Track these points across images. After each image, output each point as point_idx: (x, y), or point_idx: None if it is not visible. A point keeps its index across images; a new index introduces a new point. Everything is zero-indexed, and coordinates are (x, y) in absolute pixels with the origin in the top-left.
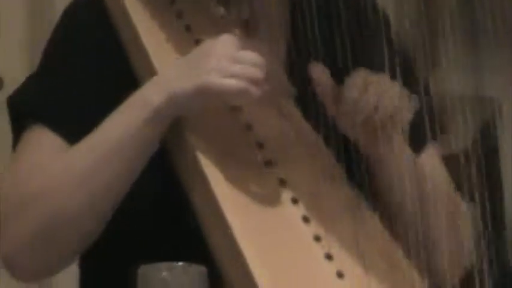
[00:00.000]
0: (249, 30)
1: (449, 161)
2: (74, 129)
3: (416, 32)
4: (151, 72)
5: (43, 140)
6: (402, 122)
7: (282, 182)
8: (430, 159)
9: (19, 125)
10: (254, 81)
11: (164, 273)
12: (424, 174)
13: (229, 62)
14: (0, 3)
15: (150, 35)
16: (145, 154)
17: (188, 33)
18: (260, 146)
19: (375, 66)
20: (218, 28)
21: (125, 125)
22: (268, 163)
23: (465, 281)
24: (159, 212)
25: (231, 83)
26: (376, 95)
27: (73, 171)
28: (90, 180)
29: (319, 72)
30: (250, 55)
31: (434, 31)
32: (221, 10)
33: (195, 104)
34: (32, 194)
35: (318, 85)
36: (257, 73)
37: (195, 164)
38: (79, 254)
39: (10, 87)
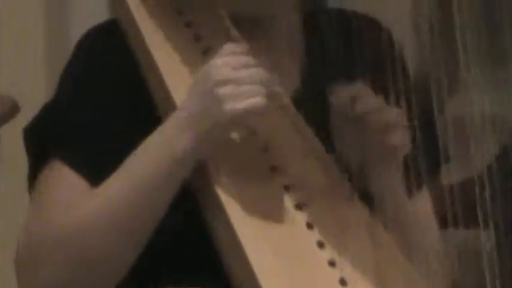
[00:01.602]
0: (265, 53)
1: (465, 186)
2: (96, 168)
3: (433, 56)
4: (171, 103)
5: (66, 179)
6: (394, 148)
7: (298, 207)
8: (420, 204)
9: (36, 162)
10: (258, 94)
11: None
12: (410, 220)
13: (234, 85)
14: (18, 25)
15: (166, 61)
16: (173, 192)
17: (205, 57)
18: (274, 168)
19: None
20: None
21: (151, 172)
22: (287, 187)
23: None
24: (181, 241)
25: (250, 102)
26: (367, 104)
27: (105, 212)
28: (123, 221)
29: (340, 90)
30: (247, 71)
31: (451, 53)
32: (238, 36)
33: (224, 137)
34: (66, 234)
35: (337, 100)
36: (258, 87)
37: (215, 196)
38: None
39: (28, 113)
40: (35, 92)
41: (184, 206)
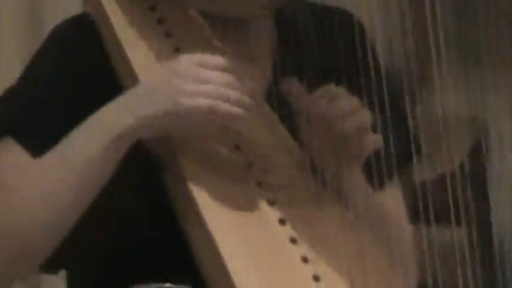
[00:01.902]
0: (236, 51)
1: (436, 183)
2: (46, 146)
3: (405, 54)
4: (135, 80)
5: (10, 154)
6: (364, 148)
7: (271, 203)
8: (388, 196)
9: None
10: (223, 99)
11: None
12: (376, 214)
13: (193, 82)
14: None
15: (137, 51)
16: (106, 175)
17: (176, 53)
18: (247, 165)
19: (354, 90)
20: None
21: (86, 148)
22: (260, 184)
23: None
24: (149, 234)
25: (200, 102)
26: (339, 108)
27: (34, 189)
28: (52, 199)
29: (291, 84)
30: (213, 73)
31: (423, 51)
32: (209, 34)
33: (162, 127)
34: None
35: (290, 95)
36: (222, 89)
37: (181, 177)
38: (35, 269)
39: None
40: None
41: (154, 205)
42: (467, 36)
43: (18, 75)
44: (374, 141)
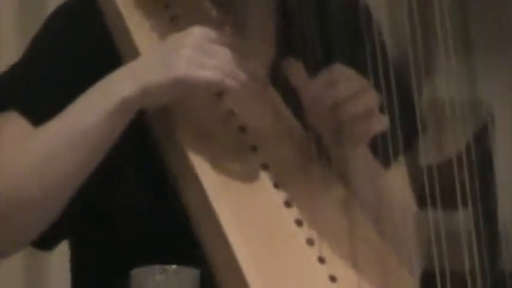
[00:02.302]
0: (238, 30)
1: (443, 166)
2: (44, 114)
3: (410, 38)
4: (135, 53)
5: (12, 124)
6: (370, 130)
7: (276, 185)
8: (395, 175)
9: None
10: (227, 74)
11: (157, 277)
12: (384, 189)
13: (200, 53)
14: None
15: (140, 28)
16: (107, 144)
17: (172, 22)
18: (254, 148)
19: (360, 70)
20: (208, 24)
21: (90, 114)
22: (265, 166)
23: (458, 283)
24: (152, 216)
25: (205, 74)
26: (344, 91)
27: (32, 157)
28: (48, 167)
29: (293, 66)
30: (221, 49)
31: (428, 36)
32: (214, 12)
33: (167, 95)
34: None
35: (292, 77)
36: (228, 65)
37: (186, 161)
38: (30, 242)
39: None
40: (8, 59)
41: (156, 184)
42: (469, 24)
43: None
44: (380, 122)
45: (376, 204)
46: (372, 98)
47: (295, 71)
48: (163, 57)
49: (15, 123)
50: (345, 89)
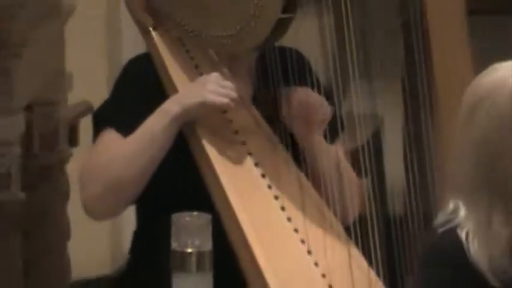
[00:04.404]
0: (232, 71)
1: (352, 152)
2: (130, 131)
3: (332, 70)
4: (175, 91)
5: (110, 136)
6: (322, 122)
7: (256, 164)
8: (338, 148)
9: (97, 129)
10: (232, 99)
11: (187, 218)
12: (334, 156)
13: (217, 86)
14: (87, 53)
15: (179, 78)
16: (166, 143)
17: (197, 69)
18: (243, 143)
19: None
20: (214, 68)
21: (154, 126)
22: (250, 153)
23: (364, 224)
24: (185, 186)
25: (221, 99)
26: (309, 100)
27: (126, 153)
28: (136, 158)
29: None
30: (229, 83)
31: (344, 68)
32: (225, 70)
33: (198, 112)
34: (103, 165)
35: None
36: (233, 94)
37: (204, 153)
38: (132, 203)
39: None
40: (100, 98)
41: (189, 168)
42: (370, 60)
43: (105, 93)
44: (328, 117)
45: (333, 168)
46: (325, 105)
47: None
48: (195, 89)
49: (111, 135)
50: (314, 100)
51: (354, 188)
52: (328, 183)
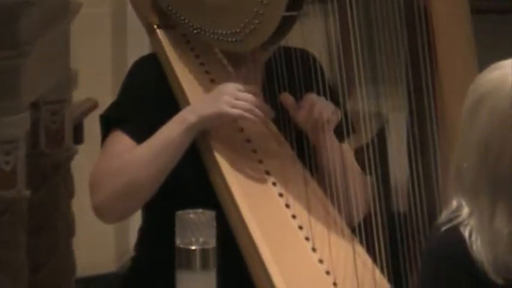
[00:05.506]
0: (238, 70)
1: (358, 150)
2: (139, 133)
3: (338, 73)
4: (186, 102)
5: (120, 139)
6: (333, 124)
7: (267, 172)
8: (346, 148)
9: (106, 132)
10: (247, 110)
11: (191, 215)
12: (344, 155)
13: (232, 98)
14: (93, 52)
15: (185, 77)
16: (181, 151)
17: (208, 76)
18: (255, 151)
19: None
20: (226, 74)
21: (170, 134)
22: (260, 161)
23: (366, 222)
24: (193, 185)
25: (235, 111)
26: (321, 107)
27: (140, 159)
28: (150, 164)
29: (286, 96)
30: (245, 95)
31: (350, 71)
32: (230, 68)
33: (213, 122)
34: (116, 170)
35: (286, 103)
36: (248, 106)
37: (215, 161)
38: (143, 206)
39: (102, 108)
40: (105, 96)
41: (198, 169)
42: (376, 63)
43: (110, 91)
44: (337, 117)
45: (341, 167)
46: (333, 108)
47: (287, 98)
48: (211, 100)
49: (121, 138)
50: (322, 105)
51: (361, 190)
52: (339, 183)
